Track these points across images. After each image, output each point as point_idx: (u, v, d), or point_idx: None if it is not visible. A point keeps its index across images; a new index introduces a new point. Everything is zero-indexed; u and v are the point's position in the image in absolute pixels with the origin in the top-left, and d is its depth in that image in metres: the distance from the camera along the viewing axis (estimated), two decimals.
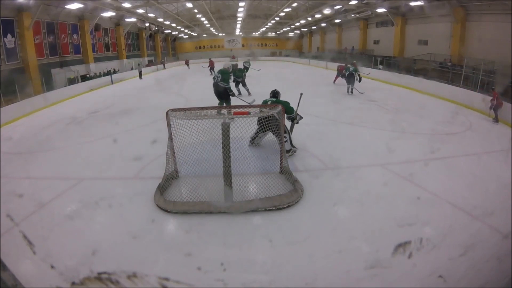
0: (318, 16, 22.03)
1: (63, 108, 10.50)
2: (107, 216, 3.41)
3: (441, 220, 3.08)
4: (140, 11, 19.32)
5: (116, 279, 2.20)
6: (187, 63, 27.10)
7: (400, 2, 15.11)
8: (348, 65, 10.92)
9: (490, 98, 7.37)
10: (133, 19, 20.67)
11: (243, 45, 34.76)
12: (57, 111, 9.33)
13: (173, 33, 30.99)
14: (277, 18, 24.79)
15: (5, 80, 10.51)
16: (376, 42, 20.04)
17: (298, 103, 5.14)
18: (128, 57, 22.25)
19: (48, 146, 6.06)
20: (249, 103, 6.00)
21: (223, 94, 6.82)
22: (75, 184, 4.14)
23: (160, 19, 23.54)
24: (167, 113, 3.70)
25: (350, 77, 10.53)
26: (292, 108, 4.75)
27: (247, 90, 10.50)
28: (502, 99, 7.20)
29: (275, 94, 5.02)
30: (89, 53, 17.22)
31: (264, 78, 16.75)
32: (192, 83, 15.86)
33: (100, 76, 17.08)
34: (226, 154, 3.25)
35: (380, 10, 16.90)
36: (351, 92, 10.58)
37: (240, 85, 10.57)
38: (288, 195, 3.49)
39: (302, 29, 30.25)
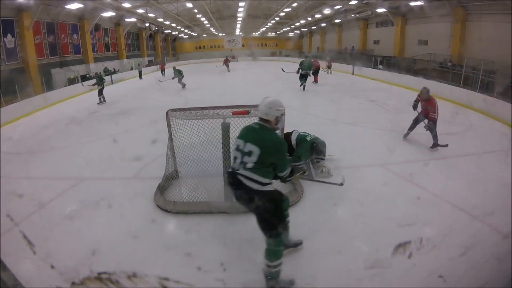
0: (318, 16, 22.04)
1: (63, 108, 10.51)
2: (107, 216, 3.41)
3: (441, 220, 3.08)
4: (140, 11, 19.34)
5: (116, 279, 2.20)
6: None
7: (400, 2, 15.12)
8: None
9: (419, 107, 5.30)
10: (133, 19, 20.67)
11: (243, 45, 34.79)
12: (57, 111, 9.34)
13: (173, 33, 31.00)
14: (277, 18, 24.81)
15: (5, 80, 10.51)
16: (376, 42, 20.04)
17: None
18: (128, 57, 22.27)
19: (48, 146, 6.06)
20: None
21: None
22: (75, 184, 4.14)
23: (160, 19, 23.56)
24: (167, 113, 3.70)
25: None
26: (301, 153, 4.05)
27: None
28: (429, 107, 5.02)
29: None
30: (89, 53, 17.24)
31: (265, 78, 16.78)
32: (192, 83, 15.87)
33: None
34: (226, 154, 3.25)
35: (380, 10, 16.92)
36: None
37: None
38: (288, 195, 3.48)
39: (302, 29, 30.27)
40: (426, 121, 5.09)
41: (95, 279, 2.21)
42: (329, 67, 17.50)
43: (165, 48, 31.71)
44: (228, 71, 19.40)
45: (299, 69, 11.02)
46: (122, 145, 5.85)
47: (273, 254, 2.14)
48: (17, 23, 12.11)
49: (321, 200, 3.53)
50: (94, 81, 10.46)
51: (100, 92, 10.29)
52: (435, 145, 5.05)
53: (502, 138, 5.90)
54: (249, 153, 2.08)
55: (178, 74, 13.01)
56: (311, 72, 11.29)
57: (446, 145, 4.92)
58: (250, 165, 2.06)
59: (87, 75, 16.48)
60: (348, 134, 6.08)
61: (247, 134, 2.19)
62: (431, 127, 5.05)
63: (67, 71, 15.23)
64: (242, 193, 2.12)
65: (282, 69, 12.12)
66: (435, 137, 5.06)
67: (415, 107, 5.38)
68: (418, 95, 5.32)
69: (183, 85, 13.10)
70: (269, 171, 2.12)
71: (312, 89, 11.62)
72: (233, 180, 2.12)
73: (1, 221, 3.01)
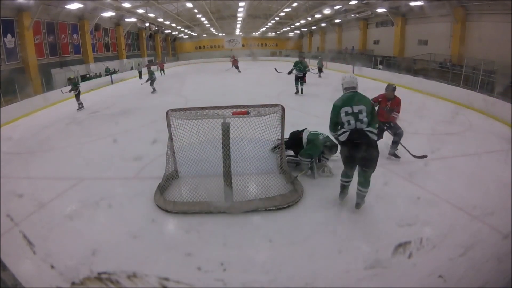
0: (318, 16, 22.02)
1: (63, 108, 10.49)
2: (107, 216, 3.41)
3: (441, 220, 3.08)
4: (140, 11, 19.31)
5: (116, 279, 2.20)
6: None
7: (400, 2, 15.11)
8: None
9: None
10: (133, 19, 20.65)
11: (243, 45, 34.74)
12: (57, 111, 9.34)
13: (173, 33, 30.99)
14: (277, 18, 24.78)
15: (5, 80, 10.51)
16: (376, 42, 20.03)
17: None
18: (128, 57, 22.23)
19: (48, 146, 6.06)
20: None
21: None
22: (75, 184, 4.14)
23: (160, 19, 23.52)
24: (167, 113, 3.70)
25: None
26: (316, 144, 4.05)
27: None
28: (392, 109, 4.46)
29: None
30: (89, 53, 17.22)
31: (265, 78, 16.75)
32: (192, 83, 15.87)
33: (100, 76, 17.08)
34: (226, 154, 3.25)
35: (380, 10, 16.90)
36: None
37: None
38: (288, 195, 3.49)
39: (302, 29, 30.24)
40: (385, 127, 4.52)
41: (95, 279, 2.21)
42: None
43: (165, 48, 31.68)
44: (239, 71, 18.57)
45: (292, 69, 10.13)
46: (122, 145, 5.85)
47: (369, 183, 3.12)
48: (17, 23, 12.10)
49: (321, 200, 3.53)
50: (70, 87, 9.71)
51: (77, 98, 9.70)
52: (395, 151, 4.55)
53: (502, 138, 5.89)
54: (360, 111, 2.96)
55: (151, 75, 12.32)
56: (305, 73, 10.24)
57: (425, 156, 4.35)
58: (365, 119, 2.94)
59: (87, 75, 16.48)
60: None
61: (350, 100, 3.03)
62: (399, 132, 4.41)
63: (67, 71, 15.21)
64: (365, 145, 2.92)
65: (275, 69, 11.48)
66: (397, 143, 4.47)
67: None
68: (379, 96, 4.62)
69: (154, 89, 12.27)
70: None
71: (312, 89, 11.61)
72: (359, 134, 2.94)
73: (1, 221, 3.01)
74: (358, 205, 3.23)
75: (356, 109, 2.96)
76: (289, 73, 10.25)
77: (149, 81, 12.26)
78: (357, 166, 3.11)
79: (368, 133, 2.94)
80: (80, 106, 9.82)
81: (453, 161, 4.63)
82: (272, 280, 2.35)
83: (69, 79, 10.05)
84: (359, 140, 2.93)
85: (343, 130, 3.01)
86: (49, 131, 7.38)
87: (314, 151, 4.08)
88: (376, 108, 4.39)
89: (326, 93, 11.02)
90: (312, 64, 18.28)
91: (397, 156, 4.62)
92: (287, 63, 19.47)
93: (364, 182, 3.11)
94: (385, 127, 4.56)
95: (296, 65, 9.96)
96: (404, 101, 4.81)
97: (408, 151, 4.47)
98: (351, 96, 3.05)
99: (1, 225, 2.96)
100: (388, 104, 4.55)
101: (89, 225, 3.19)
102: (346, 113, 2.97)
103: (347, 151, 3.07)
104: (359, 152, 2.94)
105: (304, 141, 4.25)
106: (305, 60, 10.47)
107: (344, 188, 3.37)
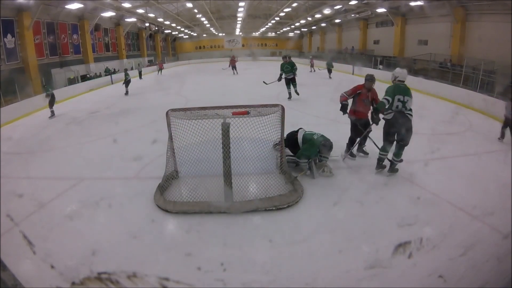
0: (318, 16, 22.03)
1: (63, 108, 10.49)
2: (107, 216, 3.41)
3: (441, 220, 3.08)
4: (140, 11, 19.33)
5: (116, 279, 2.20)
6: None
7: (400, 2, 15.11)
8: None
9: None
10: (133, 19, 20.66)
11: (243, 45, 34.75)
12: (57, 111, 9.34)
13: (173, 33, 31.00)
14: (277, 18, 24.79)
15: (5, 80, 10.51)
16: (376, 42, 20.04)
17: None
18: (128, 57, 22.22)
19: (48, 146, 6.06)
20: None
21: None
22: (75, 184, 4.14)
23: (160, 19, 23.52)
24: (167, 113, 3.70)
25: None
26: (308, 149, 4.12)
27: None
28: None
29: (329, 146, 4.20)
30: (89, 53, 17.22)
31: (265, 78, 16.74)
32: (192, 83, 15.87)
33: (100, 76, 17.09)
34: (226, 154, 3.25)
35: (380, 10, 16.91)
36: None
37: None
38: (288, 195, 3.49)
39: (302, 29, 30.25)
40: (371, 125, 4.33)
41: (95, 279, 2.21)
42: (312, 65, 18.11)
43: (165, 48, 31.68)
44: (235, 73, 18.10)
45: (281, 74, 9.15)
46: (122, 145, 5.85)
47: (401, 155, 4.00)
48: (17, 23, 12.10)
49: (321, 200, 3.54)
50: (46, 93, 9.04)
51: (50, 105, 8.93)
52: (363, 147, 4.77)
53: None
54: (407, 101, 3.83)
55: (126, 76, 12.30)
56: (295, 73, 9.15)
57: (400, 160, 4.10)
58: (409, 106, 3.83)
59: (87, 75, 16.48)
60: (348, 134, 6.07)
61: (403, 90, 3.86)
62: (370, 129, 4.36)
63: (67, 71, 15.22)
64: (406, 123, 3.83)
65: (264, 82, 10.15)
66: (366, 139, 4.55)
67: (346, 108, 4.47)
68: (357, 88, 4.41)
69: (127, 91, 12.35)
70: None
71: (312, 89, 11.61)
72: (403, 116, 3.84)
73: (1, 221, 3.01)
74: (391, 170, 4.07)
75: (405, 98, 3.80)
76: (279, 79, 9.41)
77: (124, 83, 12.26)
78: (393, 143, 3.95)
79: (408, 115, 3.82)
80: (52, 114, 8.96)
81: (453, 161, 4.63)
82: (272, 280, 2.35)
83: (44, 86, 9.52)
84: (401, 120, 3.80)
85: (390, 111, 3.86)
86: (49, 131, 7.38)
87: (311, 151, 4.10)
88: (350, 101, 4.55)
89: (326, 93, 11.02)
90: (319, 65, 18.32)
91: (365, 153, 4.80)
92: None
93: (398, 154, 3.96)
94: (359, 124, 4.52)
95: (283, 67, 9.11)
96: None
97: (377, 145, 4.25)
98: (403, 88, 3.87)
99: (1, 225, 2.96)
100: (368, 95, 4.42)
101: (89, 225, 3.19)
102: (398, 100, 3.80)
103: (391, 128, 3.91)
104: (400, 128, 3.84)
105: (299, 141, 4.26)
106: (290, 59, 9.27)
107: (381, 160, 4.10)
